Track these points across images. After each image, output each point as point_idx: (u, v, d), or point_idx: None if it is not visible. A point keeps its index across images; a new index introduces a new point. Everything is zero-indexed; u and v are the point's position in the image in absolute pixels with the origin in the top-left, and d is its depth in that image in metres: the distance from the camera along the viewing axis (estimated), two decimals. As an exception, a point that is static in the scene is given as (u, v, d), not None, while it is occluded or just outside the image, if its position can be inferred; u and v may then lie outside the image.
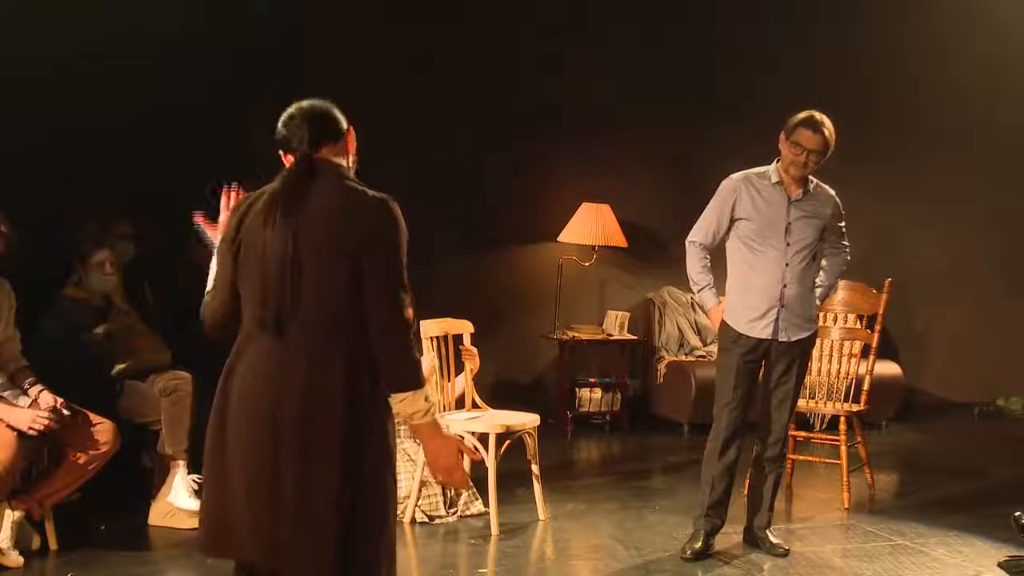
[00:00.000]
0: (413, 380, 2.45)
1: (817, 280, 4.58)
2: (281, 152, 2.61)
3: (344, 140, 2.60)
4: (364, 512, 2.46)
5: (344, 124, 2.61)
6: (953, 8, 8.45)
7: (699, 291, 4.56)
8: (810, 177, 4.47)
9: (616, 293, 7.82)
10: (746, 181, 4.46)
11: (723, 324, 4.51)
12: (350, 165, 2.62)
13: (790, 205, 4.42)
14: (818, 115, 4.35)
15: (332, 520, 2.42)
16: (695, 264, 4.54)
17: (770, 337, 4.43)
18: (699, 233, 4.55)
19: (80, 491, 4.55)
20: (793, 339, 4.45)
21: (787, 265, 4.41)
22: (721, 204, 4.48)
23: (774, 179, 4.43)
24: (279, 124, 2.59)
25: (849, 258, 4.70)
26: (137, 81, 6.15)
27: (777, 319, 4.42)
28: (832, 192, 4.55)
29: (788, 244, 4.40)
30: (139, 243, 5.66)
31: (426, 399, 2.48)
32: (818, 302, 4.60)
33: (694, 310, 7.77)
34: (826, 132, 4.32)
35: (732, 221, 4.47)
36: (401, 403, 2.46)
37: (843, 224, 4.61)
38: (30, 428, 4.22)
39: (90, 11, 6.09)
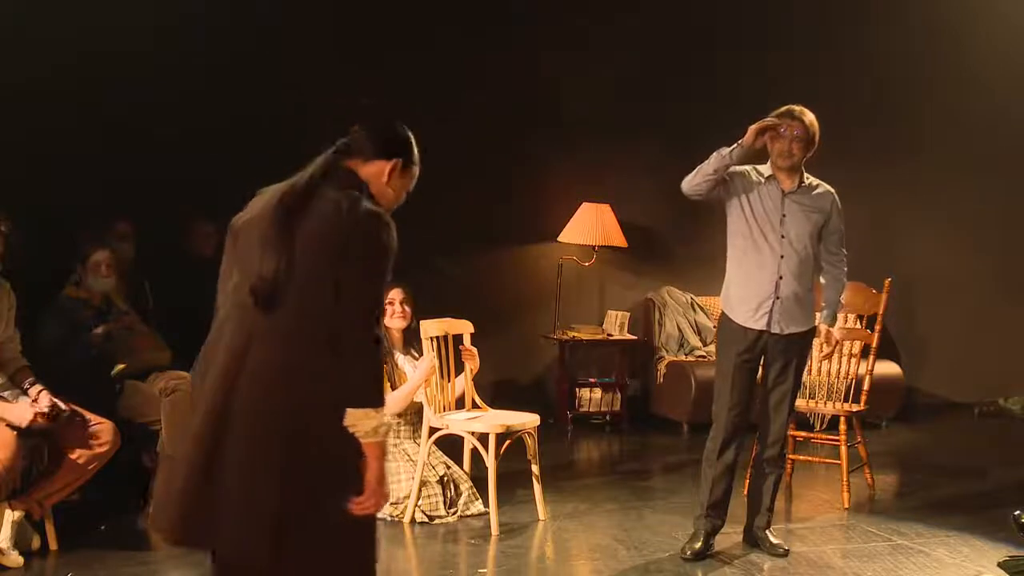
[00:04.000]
0: (372, 399, 2.43)
1: (821, 303, 4.60)
2: None
3: (380, 163, 2.57)
4: (314, 503, 2.43)
5: (391, 150, 2.59)
6: (954, 7, 8.46)
7: (715, 153, 4.34)
8: (806, 175, 4.50)
9: (616, 293, 7.82)
10: (744, 172, 4.49)
11: (722, 317, 4.55)
12: (373, 187, 2.57)
13: (784, 197, 4.45)
14: (796, 107, 4.41)
15: (270, 506, 2.39)
16: (697, 169, 4.39)
17: (764, 328, 4.44)
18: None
19: (80, 491, 4.55)
20: (787, 331, 4.45)
21: (782, 257, 4.42)
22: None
23: (767, 174, 4.47)
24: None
25: (846, 268, 4.66)
26: (137, 80, 6.16)
27: (771, 310, 4.43)
28: (831, 189, 4.57)
29: (783, 236, 4.42)
30: (138, 242, 5.66)
31: (378, 419, 2.44)
32: (829, 321, 4.61)
33: (694, 310, 7.77)
34: (806, 119, 4.39)
35: (726, 196, 4.44)
36: (353, 413, 2.42)
37: (842, 227, 4.60)
38: (36, 415, 4.19)
39: (90, 10, 6.09)
